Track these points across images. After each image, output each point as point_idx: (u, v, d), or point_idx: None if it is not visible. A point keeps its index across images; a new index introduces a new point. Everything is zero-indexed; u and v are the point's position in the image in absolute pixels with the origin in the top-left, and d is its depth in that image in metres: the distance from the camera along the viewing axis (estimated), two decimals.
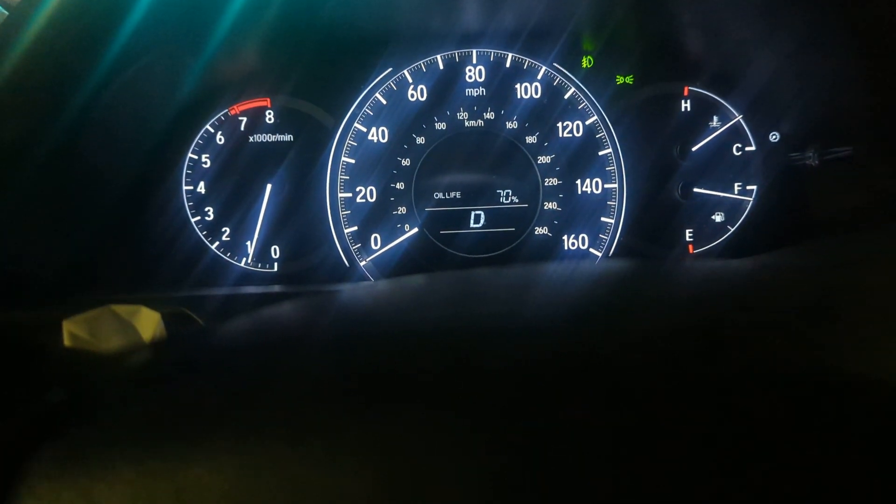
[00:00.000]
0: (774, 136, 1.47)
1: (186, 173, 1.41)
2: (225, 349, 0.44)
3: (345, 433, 0.33)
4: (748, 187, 1.48)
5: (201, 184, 1.41)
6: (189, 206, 1.42)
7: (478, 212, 1.43)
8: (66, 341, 0.76)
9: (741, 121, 1.47)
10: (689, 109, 1.47)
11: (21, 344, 0.75)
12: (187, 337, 0.53)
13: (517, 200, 1.44)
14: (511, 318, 0.43)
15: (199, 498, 0.32)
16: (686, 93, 1.47)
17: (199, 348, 0.46)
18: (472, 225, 1.43)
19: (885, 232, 1.09)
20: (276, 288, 1.34)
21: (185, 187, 1.41)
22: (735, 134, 1.47)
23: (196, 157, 1.41)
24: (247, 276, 1.42)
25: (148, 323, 0.77)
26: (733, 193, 1.48)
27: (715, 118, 1.47)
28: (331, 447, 0.33)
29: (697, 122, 1.47)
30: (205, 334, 0.51)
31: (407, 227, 1.42)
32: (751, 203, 1.48)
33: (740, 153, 1.47)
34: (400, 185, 1.42)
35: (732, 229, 1.48)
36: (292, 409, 0.35)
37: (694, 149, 1.46)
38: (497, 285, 0.54)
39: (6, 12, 1.41)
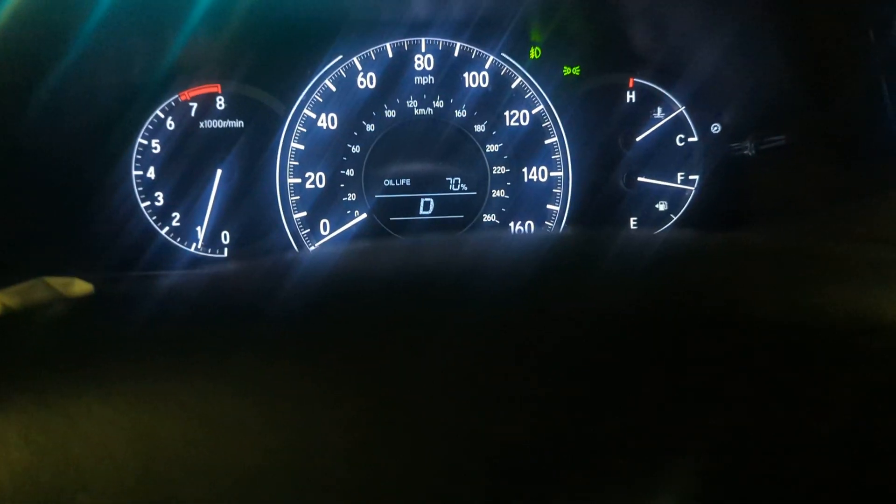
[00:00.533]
0: (716, 128, 1.51)
1: (136, 158, 1.42)
2: (131, 297, 0.46)
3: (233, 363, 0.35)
4: (691, 177, 1.52)
5: (151, 169, 1.42)
6: (139, 191, 1.42)
7: (427, 199, 1.46)
8: None
9: (684, 112, 1.51)
10: (633, 100, 1.51)
11: None
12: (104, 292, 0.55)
13: (466, 188, 1.46)
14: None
15: (91, 426, 0.34)
16: (631, 84, 1.51)
17: (110, 297, 0.47)
18: (421, 212, 1.46)
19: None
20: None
21: (134, 172, 1.42)
22: (678, 125, 1.52)
23: (146, 142, 1.42)
24: (197, 261, 1.43)
25: (81, 294, 0.78)
26: (676, 183, 1.52)
27: (659, 109, 1.51)
28: (218, 378, 0.34)
29: (642, 112, 1.51)
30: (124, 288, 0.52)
31: (356, 213, 1.44)
32: (693, 192, 1.52)
33: (683, 144, 1.52)
34: (350, 172, 1.43)
35: (676, 217, 1.52)
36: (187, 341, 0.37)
37: (638, 139, 1.50)
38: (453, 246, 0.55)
39: None
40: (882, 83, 1.29)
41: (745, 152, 1.43)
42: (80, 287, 0.78)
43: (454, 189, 1.46)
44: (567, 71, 1.49)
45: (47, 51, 1.21)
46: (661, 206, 1.52)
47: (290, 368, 0.35)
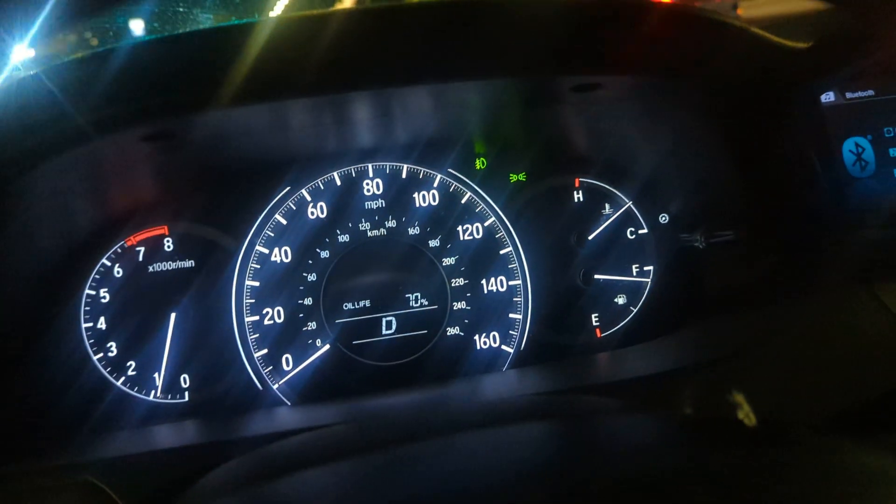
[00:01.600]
0: (664, 218, 1.54)
1: (85, 309, 1.37)
2: None
3: None
4: (645, 268, 1.54)
5: (101, 319, 1.38)
6: (90, 342, 1.37)
7: (389, 318, 1.44)
8: None
9: (631, 206, 1.54)
10: (581, 199, 1.53)
11: None
12: None
13: (426, 303, 1.45)
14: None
15: None
16: (577, 184, 1.53)
17: None
18: (384, 332, 1.44)
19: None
20: (186, 431, 1.28)
21: (84, 324, 1.37)
22: (627, 218, 1.54)
23: (94, 292, 1.38)
24: (156, 409, 1.38)
25: None
26: (632, 276, 1.54)
27: (607, 206, 1.54)
28: None
29: (591, 210, 1.53)
30: None
31: (318, 342, 1.41)
32: (649, 284, 1.54)
33: (634, 236, 1.54)
34: (308, 301, 1.41)
35: (635, 310, 1.54)
36: None
37: (590, 236, 1.52)
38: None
39: None
40: (813, 158, 1.34)
41: (696, 244, 1.45)
42: None
43: (414, 305, 1.45)
44: (514, 178, 1.50)
45: None
46: (621, 300, 1.54)
47: None
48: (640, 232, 1.55)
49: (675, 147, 1.43)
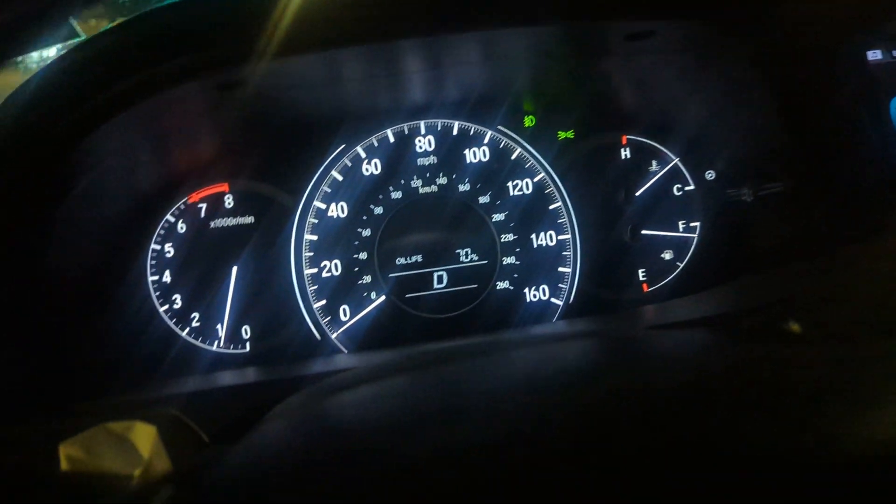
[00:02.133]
0: (710, 175, 1.56)
1: (151, 263, 1.43)
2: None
3: None
4: (692, 224, 1.56)
5: (167, 272, 1.44)
6: (156, 295, 1.43)
7: (440, 272, 1.49)
8: (63, 465, 0.77)
9: (678, 163, 1.56)
10: (629, 156, 1.55)
11: (17, 470, 0.77)
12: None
13: (476, 258, 1.49)
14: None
15: None
16: (624, 141, 1.55)
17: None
18: (435, 286, 1.48)
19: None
20: (251, 374, 1.35)
21: (150, 278, 1.43)
22: (674, 176, 1.56)
23: (159, 247, 1.44)
24: (219, 359, 1.44)
25: (144, 438, 0.80)
26: (679, 231, 1.56)
27: (654, 162, 1.56)
28: None
29: (638, 167, 1.55)
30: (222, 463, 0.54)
31: (373, 295, 1.46)
32: (696, 239, 1.56)
33: (681, 193, 1.56)
34: (363, 255, 1.46)
35: (682, 265, 1.56)
36: None
37: (638, 193, 1.54)
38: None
39: None
40: (862, 114, 1.35)
41: (743, 198, 1.47)
42: (142, 431, 0.80)
43: (465, 260, 1.49)
44: (562, 135, 1.53)
45: (62, 174, 1.23)
46: (667, 256, 1.56)
47: None
48: (687, 188, 1.56)
49: (723, 101, 1.44)
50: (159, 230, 1.44)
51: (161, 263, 1.44)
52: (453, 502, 0.38)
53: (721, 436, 0.40)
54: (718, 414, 0.43)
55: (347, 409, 0.61)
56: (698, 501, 0.36)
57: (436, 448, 0.43)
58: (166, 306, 1.44)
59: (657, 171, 1.56)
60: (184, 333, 1.44)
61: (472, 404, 0.50)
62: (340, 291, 1.45)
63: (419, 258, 1.48)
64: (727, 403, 0.44)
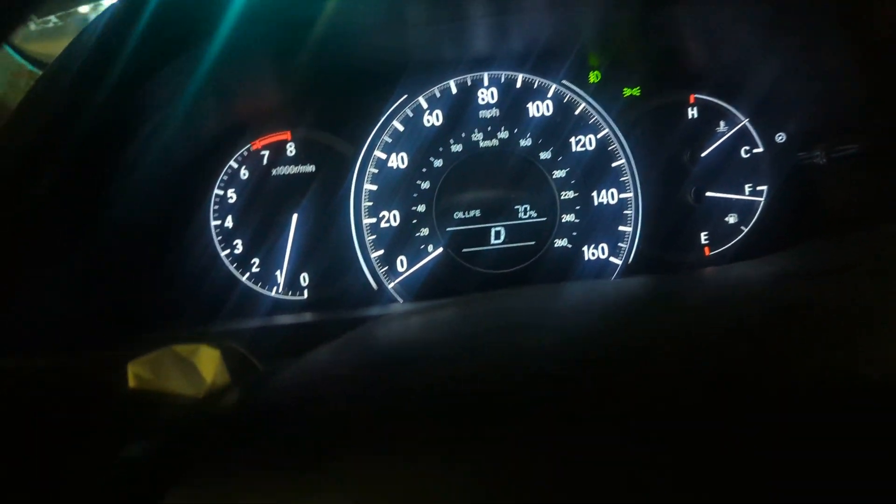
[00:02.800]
0: (781, 137, 1.51)
1: (213, 209, 1.46)
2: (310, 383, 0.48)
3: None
4: (759, 188, 1.52)
5: (229, 218, 1.46)
6: (218, 240, 1.46)
7: (498, 228, 1.48)
8: (131, 382, 0.80)
9: (747, 124, 1.51)
10: (696, 116, 1.51)
11: (89, 386, 0.80)
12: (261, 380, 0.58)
13: (535, 215, 1.48)
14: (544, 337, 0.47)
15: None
16: (692, 100, 1.51)
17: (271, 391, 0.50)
18: (493, 241, 1.47)
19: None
20: (308, 316, 1.37)
21: (213, 222, 1.46)
22: (742, 137, 1.51)
23: (222, 192, 1.46)
24: (278, 305, 1.46)
25: (208, 362, 0.81)
26: (745, 195, 1.52)
27: (722, 123, 1.51)
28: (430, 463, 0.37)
29: (705, 127, 1.51)
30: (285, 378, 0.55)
31: (430, 247, 1.46)
32: (762, 203, 1.52)
33: (749, 155, 1.51)
34: (421, 208, 1.46)
35: (746, 230, 1.52)
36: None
37: (703, 154, 1.50)
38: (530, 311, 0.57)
39: (37, 70, 1.46)
40: None
41: (816, 161, 1.42)
42: (207, 355, 0.82)
43: (523, 217, 1.48)
44: (627, 92, 1.50)
45: (127, 117, 1.26)
46: (731, 219, 1.52)
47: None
48: (756, 151, 1.52)
49: (799, 58, 1.39)
50: (222, 176, 1.46)
51: (223, 208, 1.46)
52: (492, 419, 0.38)
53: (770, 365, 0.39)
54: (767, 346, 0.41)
55: (403, 332, 0.61)
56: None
57: (473, 373, 0.43)
58: (227, 251, 1.46)
59: (725, 132, 1.51)
60: (244, 278, 1.46)
61: (519, 334, 0.49)
62: (398, 242, 1.46)
63: (477, 213, 1.47)
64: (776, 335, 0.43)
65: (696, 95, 1.51)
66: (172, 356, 0.82)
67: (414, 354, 0.49)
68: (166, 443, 0.47)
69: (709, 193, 1.50)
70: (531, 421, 0.38)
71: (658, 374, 0.39)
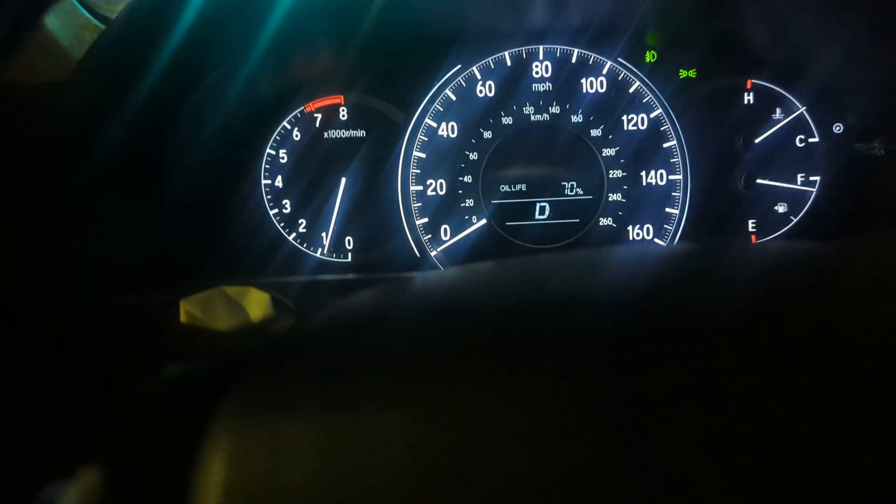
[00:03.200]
0: (838, 128, 1.48)
1: (265, 168, 1.49)
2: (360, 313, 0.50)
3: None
4: (811, 178, 1.49)
5: (279, 178, 1.49)
6: (267, 199, 1.49)
7: (543, 203, 1.48)
8: (182, 318, 0.83)
9: (804, 112, 1.48)
10: (752, 102, 1.49)
11: (144, 319, 0.83)
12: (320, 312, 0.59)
13: (581, 192, 1.48)
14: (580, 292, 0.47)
15: (363, 429, 0.38)
16: (749, 85, 1.49)
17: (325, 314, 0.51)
18: (537, 216, 1.48)
19: None
20: (351, 277, 1.40)
21: (263, 181, 1.49)
22: (798, 125, 1.49)
23: (274, 152, 1.48)
24: (322, 266, 1.49)
25: (256, 304, 0.84)
26: (796, 184, 1.49)
27: (778, 110, 1.49)
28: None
29: (761, 114, 1.49)
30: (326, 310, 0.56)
31: (474, 218, 1.47)
32: (814, 194, 1.49)
33: (803, 144, 1.49)
34: (468, 179, 1.47)
35: (795, 220, 1.50)
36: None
37: (757, 140, 1.48)
38: (566, 266, 0.58)
39: (101, 25, 1.50)
40: None
41: (874, 152, 1.39)
42: (256, 297, 0.84)
43: (570, 193, 1.48)
44: (683, 74, 1.48)
45: (188, 76, 1.29)
46: (781, 209, 1.50)
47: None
48: (811, 140, 1.49)
49: (863, 47, 1.35)
50: (275, 136, 1.48)
51: (274, 168, 1.49)
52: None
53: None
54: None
55: (446, 280, 0.62)
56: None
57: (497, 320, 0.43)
58: (276, 210, 1.49)
59: (780, 120, 1.49)
60: (291, 238, 1.49)
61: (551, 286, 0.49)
62: (443, 211, 1.47)
63: (523, 187, 1.48)
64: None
65: (754, 80, 1.49)
66: (223, 296, 0.85)
67: (457, 295, 0.50)
68: (212, 361, 0.49)
69: (759, 181, 1.48)
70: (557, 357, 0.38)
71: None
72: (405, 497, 0.36)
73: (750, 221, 1.50)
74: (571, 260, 0.58)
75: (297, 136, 1.48)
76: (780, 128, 1.48)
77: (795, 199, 1.50)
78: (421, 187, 1.46)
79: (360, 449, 0.37)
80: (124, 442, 0.44)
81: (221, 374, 0.45)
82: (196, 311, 0.82)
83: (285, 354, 0.45)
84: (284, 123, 1.48)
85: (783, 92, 1.49)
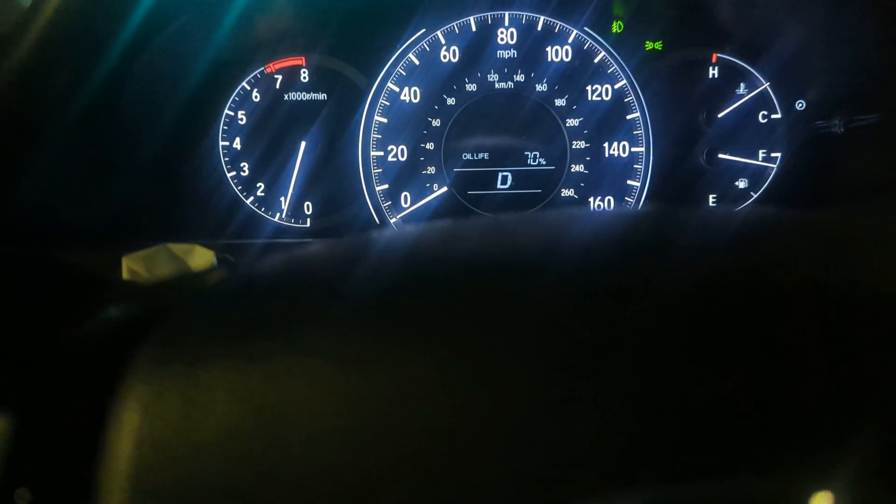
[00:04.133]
0: (801, 104, 1.48)
1: (223, 129, 1.45)
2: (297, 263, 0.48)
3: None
4: (773, 154, 1.50)
5: (237, 140, 1.45)
6: (225, 161, 1.46)
7: (505, 173, 1.47)
8: (125, 275, 0.80)
9: (768, 88, 1.48)
10: (716, 76, 1.48)
11: (80, 276, 0.80)
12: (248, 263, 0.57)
13: (544, 162, 1.47)
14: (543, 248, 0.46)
15: (284, 382, 0.36)
16: (714, 59, 1.48)
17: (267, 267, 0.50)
18: (499, 186, 1.47)
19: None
20: (311, 242, 1.38)
21: (221, 143, 1.45)
22: (762, 101, 1.49)
23: (232, 113, 1.45)
24: (281, 231, 1.47)
25: (201, 261, 0.82)
26: (758, 160, 1.50)
27: (742, 85, 1.49)
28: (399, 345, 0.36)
29: (724, 88, 1.48)
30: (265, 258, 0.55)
31: (436, 186, 1.45)
32: (775, 169, 1.50)
33: (766, 120, 1.49)
34: (430, 146, 1.45)
35: (756, 196, 1.51)
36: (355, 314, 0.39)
37: (720, 115, 1.48)
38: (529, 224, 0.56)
39: None
40: None
41: (834, 130, 1.40)
42: (200, 254, 0.82)
43: (532, 163, 1.47)
44: (650, 46, 1.47)
45: (142, 31, 1.25)
46: (741, 184, 1.51)
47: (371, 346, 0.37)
48: (774, 116, 1.49)
49: (824, 25, 1.36)
50: (234, 96, 1.45)
51: (233, 130, 1.45)
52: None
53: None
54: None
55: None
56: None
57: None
58: (234, 173, 1.46)
59: (744, 95, 1.48)
60: (248, 201, 1.46)
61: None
62: (404, 178, 1.45)
63: (486, 156, 1.46)
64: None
65: (719, 55, 1.48)
66: (167, 253, 0.82)
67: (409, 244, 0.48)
68: (133, 310, 0.47)
69: (721, 155, 1.48)
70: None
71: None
72: (324, 451, 0.35)
73: (710, 196, 1.50)
74: (533, 220, 0.57)
75: (256, 97, 1.45)
76: (743, 103, 1.48)
77: (756, 175, 1.51)
78: (382, 153, 1.44)
79: (277, 402, 0.36)
80: (36, 388, 0.42)
81: (142, 324, 0.43)
82: (139, 267, 0.80)
83: (206, 304, 0.43)
84: (244, 84, 1.45)
85: (748, 67, 1.49)
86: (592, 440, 0.32)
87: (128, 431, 0.37)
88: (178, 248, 0.81)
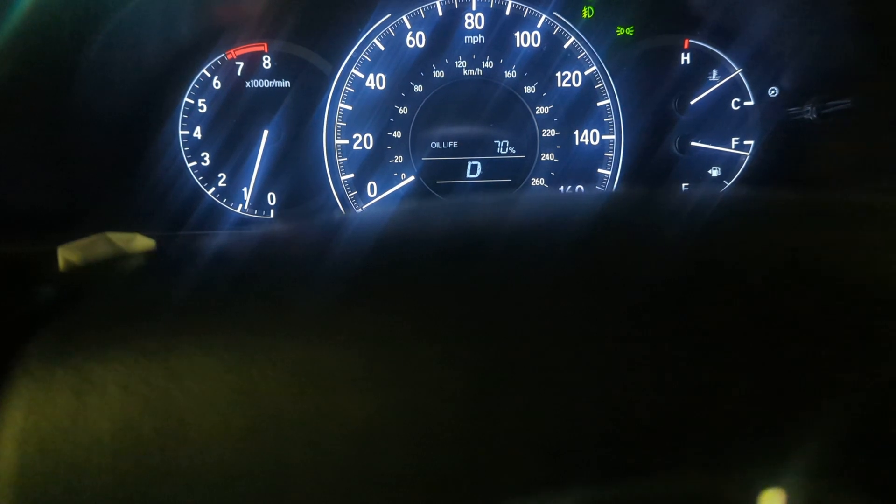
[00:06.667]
0: (773, 91, 1.46)
1: (183, 118, 1.41)
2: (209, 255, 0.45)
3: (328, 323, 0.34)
4: (745, 142, 1.48)
5: (198, 129, 1.41)
6: (185, 150, 1.41)
7: (474, 162, 1.43)
8: (61, 266, 0.76)
9: (741, 75, 1.46)
10: (688, 62, 1.46)
11: (16, 268, 0.76)
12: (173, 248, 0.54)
13: (514, 151, 1.43)
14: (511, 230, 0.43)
15: (193, 380, 0.33)
16: (686, 45, 1.46)
17: (185, 254, 0.46)
18: (468, 175, 1.43)
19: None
20: None
21: (181, 132, 1.41)
22: (734, 88, 1.47)
23: (192, 101, 1.40)
24: (243, 223, 1.42)
25: (143, 251, 0.78)
26: (730, 148, 1.48)
27: (714, 72, 1.46)
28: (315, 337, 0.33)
29: (697, 75, 1.46)
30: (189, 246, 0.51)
31: (403, 175, 1.42)
32: (747, 158, 1.48)
33: (738, 108, 1.47)
34: (397, 134, 1.41)
35: (729, 184, 1.49)
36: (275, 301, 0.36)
37: (692, 102, 1.45)
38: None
39: None
40: None
41: (806, 117, 1.38)
42: (142, 242, 0.78)
43: (502, 152, 1.43)
44: (620, 31, 1.44)
45: (94, 12, 1.20)
46: (714, 172, 1.48)
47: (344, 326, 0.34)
48: (746, 104, 1.47)
49: (797, 11, 1.33)
50: (194, 84, 1.40)
51: (193, 118, 1.41)
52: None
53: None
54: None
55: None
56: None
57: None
58: (194, 163, 1.42)
59: (716, 82, 1.46)
60: (210, 192, 1.42)
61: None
62: (370, 167, 1.41)
63: (454, 144, 1.43)
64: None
65: (691, 41, 1.46)
66: (105, 242, 0.78)
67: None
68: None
69: (694, 143, 1.46)
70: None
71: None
72: (221, 449, 0.32)
73: (683, 185, 1.48)
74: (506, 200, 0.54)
75: (217, 84, 1.40)
76: (715, 89, 1.46)
77: (729, 163, 1.49)
78: (347, 141, 1.40)
79: (180, 400, 0.33)
80: None
81: (43, 311, 0.39)
82: (75, 257, 0.76)
83: (113, 291, 0.39)
84: (204, 71, 1.40)
85: (720, 53, 1.46)
86: (533, 437, 0.30)
87: (10, 432, 0.33)
88: (117, 237, 0.77)
